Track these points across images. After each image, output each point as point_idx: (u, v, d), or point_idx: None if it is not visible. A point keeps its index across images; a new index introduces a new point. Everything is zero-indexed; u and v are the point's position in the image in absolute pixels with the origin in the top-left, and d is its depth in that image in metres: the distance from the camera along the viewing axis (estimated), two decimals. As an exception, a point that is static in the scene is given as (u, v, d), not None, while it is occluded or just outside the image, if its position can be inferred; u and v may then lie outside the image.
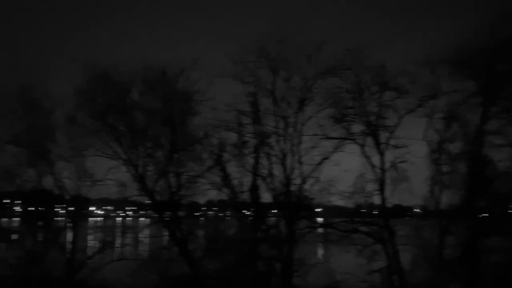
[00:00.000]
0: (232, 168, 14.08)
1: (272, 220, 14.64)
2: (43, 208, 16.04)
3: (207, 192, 14.88)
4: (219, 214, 17.77)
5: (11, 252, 14.24)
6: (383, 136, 13.23)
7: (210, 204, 17.96)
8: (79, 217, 15.49)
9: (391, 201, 13.44)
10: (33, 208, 16.61)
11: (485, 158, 12.79)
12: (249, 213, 14.96)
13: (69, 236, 15.00)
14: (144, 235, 16.11)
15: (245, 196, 14.22)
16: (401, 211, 14.55)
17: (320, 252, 15.76)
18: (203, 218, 18.36)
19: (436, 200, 13.06)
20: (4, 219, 19.46)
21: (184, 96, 14.56)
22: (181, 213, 15.26)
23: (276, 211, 14.65)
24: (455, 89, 12.73)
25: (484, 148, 12.65)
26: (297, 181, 13.71)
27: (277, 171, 13.77)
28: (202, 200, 16.37)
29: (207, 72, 13.97)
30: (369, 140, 13.31)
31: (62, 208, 16.22)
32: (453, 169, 13.05)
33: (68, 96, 13.97)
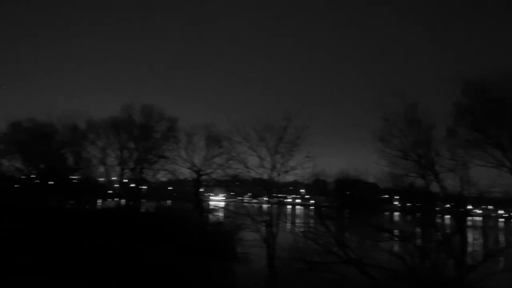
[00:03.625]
0: None
1: None
2: (423, 206, 17.39)
3: None
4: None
5: (403, 248, 16.32)
6: None
7: None
8: (464, 219, 15.88)
9: None
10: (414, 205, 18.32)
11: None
12: None
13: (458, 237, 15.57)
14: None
15: None
16: None
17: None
18: None
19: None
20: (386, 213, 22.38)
21: None
22: None
23: None
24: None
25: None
26: None
27: None
28: None
29: None
30: None
31: (445, 209, 17.16)
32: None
33: (445, 112, 14.87)
